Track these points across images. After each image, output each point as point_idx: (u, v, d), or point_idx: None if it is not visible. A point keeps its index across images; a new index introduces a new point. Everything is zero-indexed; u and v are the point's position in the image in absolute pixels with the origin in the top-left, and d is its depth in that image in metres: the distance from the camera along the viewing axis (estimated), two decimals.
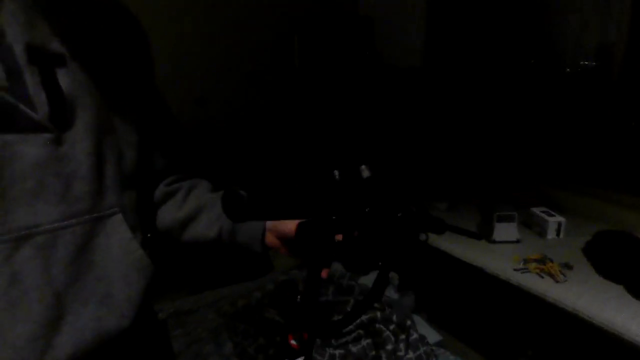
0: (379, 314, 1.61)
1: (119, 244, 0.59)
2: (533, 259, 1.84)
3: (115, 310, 0.58)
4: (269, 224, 0.75)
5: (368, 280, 1.97)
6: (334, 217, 0.65)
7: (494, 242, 2.01)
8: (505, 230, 2.01)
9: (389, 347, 1.52)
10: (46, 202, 0.52)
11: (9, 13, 0.49)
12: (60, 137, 0.53)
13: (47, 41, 0.52)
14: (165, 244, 0.77)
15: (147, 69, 0.71)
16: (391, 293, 2.01)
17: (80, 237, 0.55)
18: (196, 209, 0.76)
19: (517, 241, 2.01)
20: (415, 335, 1.59)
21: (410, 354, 1.53)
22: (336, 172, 0.67)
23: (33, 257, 0.51)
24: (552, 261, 1.81)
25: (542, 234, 2.07)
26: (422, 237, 0.72)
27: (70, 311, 0.54)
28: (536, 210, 2.14)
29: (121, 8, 0.67)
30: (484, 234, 2.06)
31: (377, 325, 1.57)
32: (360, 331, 1.58)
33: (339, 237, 0.65)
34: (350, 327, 1.57)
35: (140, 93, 0.67)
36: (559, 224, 2.04)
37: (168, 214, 0.77)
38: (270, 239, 0.75)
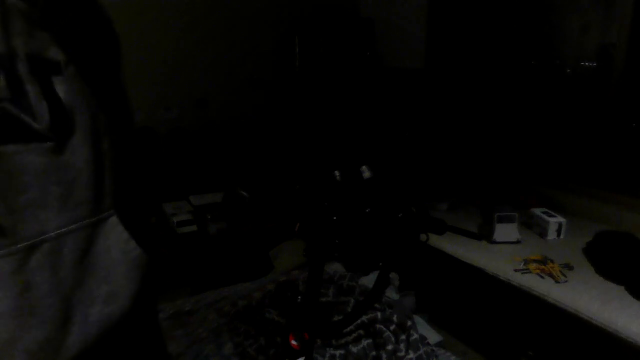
0: (379, 314, 1.61)
1: (117, 244, 0.61)
2: (533, 260, 1.84)
3: (120, 307, 0.61)
4: None
5: (368, 280, 1.97)
6: (335, 218, 0.66)
7: (495, 242, 2.02)
8: (505, 231, 2.01)
9: (390, 347, 1.52)
10: (50, 210, 0.54)
11: (11, 23, 0.50)
12: (60, 146, 0.54)
13: (44, 49, 0.54)
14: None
15: (119, 70, 0.74)
16: (392, 293, 2.01)
17: (82, 241, 0.57)
18: None
19: (518, 242, 2.01)
20: (415, 336, 1.60)
21: (411, 354, 1.53)
22: (337, 173, 0.68)
23: (42, 265, 0.53)
24: (552, 262, 1.81)
25: (542, 234, 2.07)
26: (423, 237, 0.72)
27: (78, 312, 0.56)
28: (537, 211, 2.14)
29: (100, 8, 0.69)
30: (485, 234, 2.06)
31: (378, 326, 1.58)
32: (361, 331, 1.58)
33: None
34: (351, 327, 1.58)
35: (119, 92, 0.70)
36: (560, 225, 2.04)
37: None
38: None
